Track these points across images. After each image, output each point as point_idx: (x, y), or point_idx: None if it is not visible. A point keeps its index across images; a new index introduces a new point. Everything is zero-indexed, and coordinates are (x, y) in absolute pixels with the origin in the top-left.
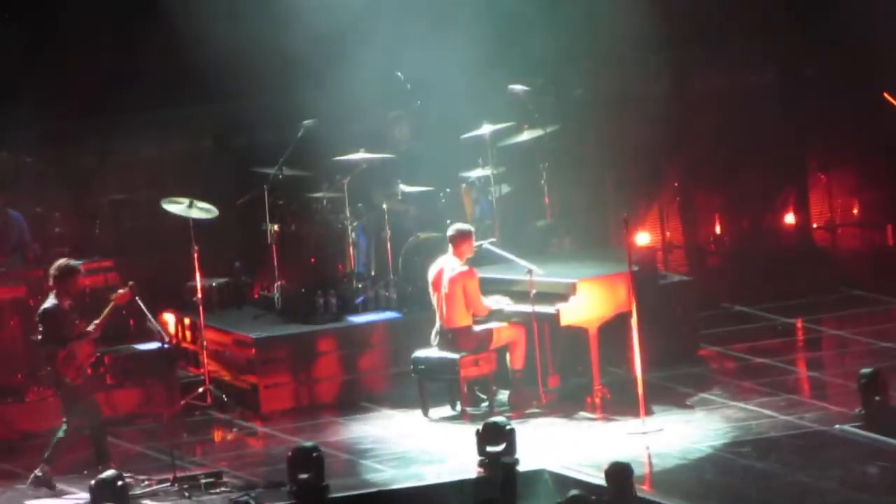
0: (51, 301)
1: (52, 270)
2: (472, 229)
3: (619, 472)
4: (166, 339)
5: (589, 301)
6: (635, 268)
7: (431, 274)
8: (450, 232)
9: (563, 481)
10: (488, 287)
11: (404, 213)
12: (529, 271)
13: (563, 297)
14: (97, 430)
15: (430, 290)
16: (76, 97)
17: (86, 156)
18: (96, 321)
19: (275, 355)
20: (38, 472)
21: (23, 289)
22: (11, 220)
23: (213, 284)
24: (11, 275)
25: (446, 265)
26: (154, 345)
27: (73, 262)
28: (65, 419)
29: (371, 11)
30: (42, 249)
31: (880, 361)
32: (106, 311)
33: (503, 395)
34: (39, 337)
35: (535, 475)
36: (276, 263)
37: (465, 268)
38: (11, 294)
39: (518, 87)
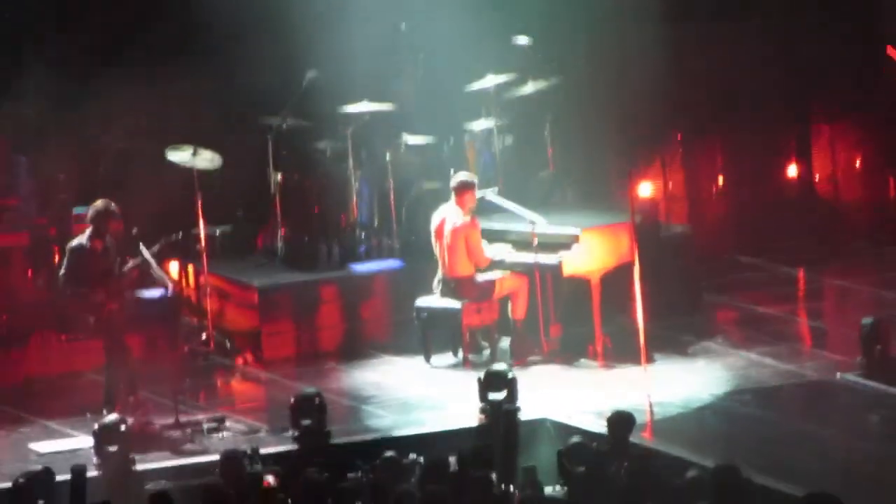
0: (78, 239)
1: (89, 210)
2: (476, 180)
3: (622, 421)
4: (170, 287)
5: (591, 251)
6: (638, 219)
7: (434, 223)
8: (453, 182)
9: (564, 429)
10: (491, 237)
11: (408, 165)
12: (532, 222)
13: (565, 248)
14: (110, 373)
15: (433, 239)
16: (79, 45)
17: (89, 103)
18: (130, 265)
19: (278, 303)
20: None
21: (26, 235)
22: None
23: (217, 232)
24: (14, 221)
25: (448, 215)
26: (158, 292)
27: (111, 204)
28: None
29: None
30: (44, 197)
31: (882, 311)
32: (139, 260)
33: (505, 344)
34: (62, 272)
35: (537, 423)
36: (279, 212)
37: (468, 218)
38: (15, 241)
39: (522, 39)
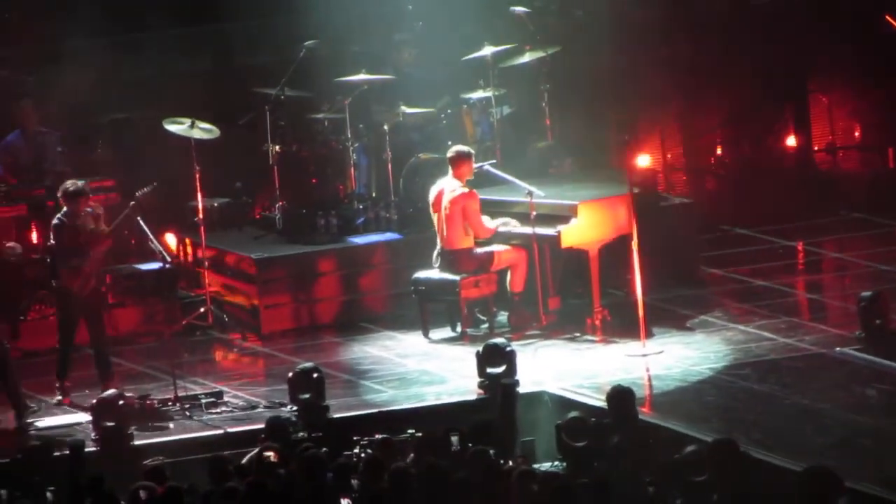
0: (58, 216)
1: (59, 191)
2: (472, 151)
3: (621, 396)
4: (168, 259)
5: (589, 223)
6: (636, 190)
7: (432, 195)
8: (449, 154)
9: (563, 403)
10: (489, 209)
11: (406, 135)
12: (530, 193)
13: (563, 220)
14: (98, 348)
15: (431, 211)
16: (76, 17)
17: (87, 75)
18: (116, 222)
19: (275, 275)
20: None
21: (23, 207)
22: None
23: (215, 204)
24: (13, 194)
25: (446, 186)
26: (155, 265)
27: (79, 183)
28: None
29: None
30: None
31: (880, 284)
32: (124, 213)
33: (503, 317)
34: (51, 243)
35: (535, 397)
36: (277, 184)
37: (466, 189)
38: (12, 213)
39: (519, 9)
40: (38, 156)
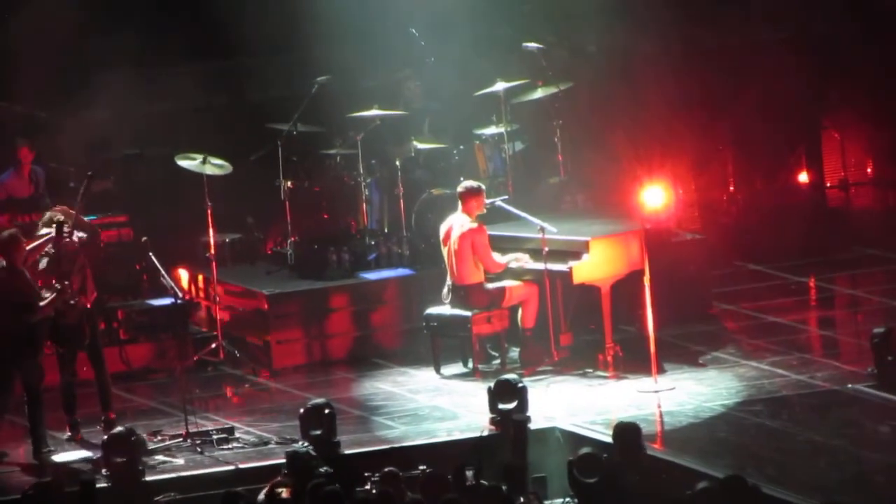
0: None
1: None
2: (482, 186)
3: (626, 432)
4: (179, 295)
5: (602, 259)
6: (648, 226)
7: (441, 231)
8: (459, 189)
9: (574, 439)
10: (502, 244)
11: (418, 171)
12: (542, 229)
13: (575, 255)
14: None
15: (441, 246)
16: (90, 53)
17: (100, 110)
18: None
19: (287, 311)
20: None
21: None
22: (36, 173)
23: (227, 240)
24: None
25: (455, 222)
26: (167, 300)
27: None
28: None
29: None
30: (54, 204)
31: (893, 320)
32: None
33: (515, 353)
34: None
35: (547, 433)
36: (289, 219)
37: (475, 224)
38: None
39: (532, 45)
40: (35, 193)
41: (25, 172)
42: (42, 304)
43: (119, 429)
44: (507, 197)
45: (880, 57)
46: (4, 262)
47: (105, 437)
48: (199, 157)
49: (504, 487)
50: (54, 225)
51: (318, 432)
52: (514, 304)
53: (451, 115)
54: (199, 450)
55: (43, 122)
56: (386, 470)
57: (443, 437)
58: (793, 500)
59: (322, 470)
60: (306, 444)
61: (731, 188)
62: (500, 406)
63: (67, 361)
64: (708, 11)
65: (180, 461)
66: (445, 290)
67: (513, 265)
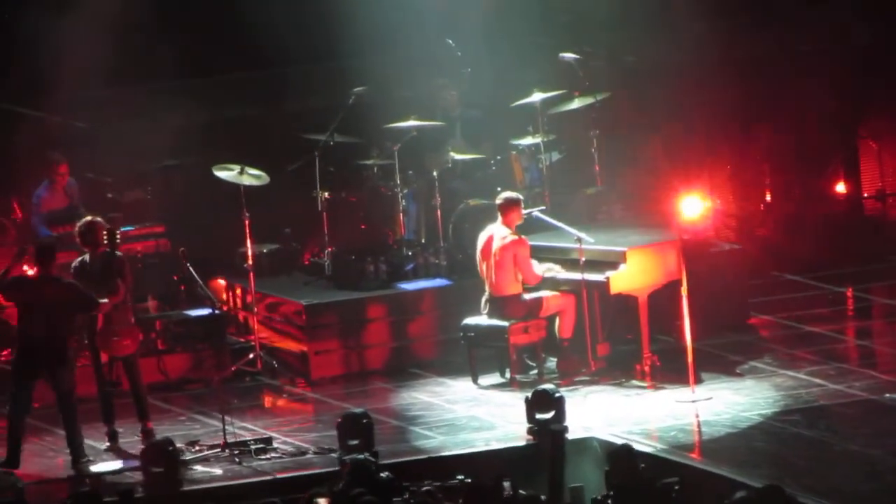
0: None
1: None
2: (521, 197)
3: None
4: (217, 305)
5: (639, 269)
6: (685, 236)
7: (480, 242)
8: (498, 200)
9: (612, 449)
10: (538, 255)
11: (455, 181)
12: (579, 239)
13: (612, 265)
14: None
15: (479, 257)
16: (127, 64)
17: (138, 121)
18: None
19: (325, 322)
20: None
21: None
22: (70, 185)
23: (264, 251)
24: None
25: (496, 233)
26: (205, 311)
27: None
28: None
29: None
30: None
31: None
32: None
33: (552, 363)
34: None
35: (584, 443)
36: (326, 230)
37: (516, 236)
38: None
39: (569, 55)
40: (70, 204)
41: (60, 185)
42: (103, 301)
43: (157, 439)
44: (543, 207)
45: None
46: (40, 272)
47: (143, 447)
48: (237, 168)
49: (542, 498)
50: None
51: (356, 442)
52: (552, 315)
53: (487, 125)
54: (237, 460)
55: (81, 132)
56: (423, 489)
57: (480, 448)
58: None
59: (385, 475)
60: (343, 454)
61: (768, 198)
62: (538, 416)
63: (105, 371)
64: (745, 22)
65: (218, 471)
66: (483, 300)
67: (546, 276)
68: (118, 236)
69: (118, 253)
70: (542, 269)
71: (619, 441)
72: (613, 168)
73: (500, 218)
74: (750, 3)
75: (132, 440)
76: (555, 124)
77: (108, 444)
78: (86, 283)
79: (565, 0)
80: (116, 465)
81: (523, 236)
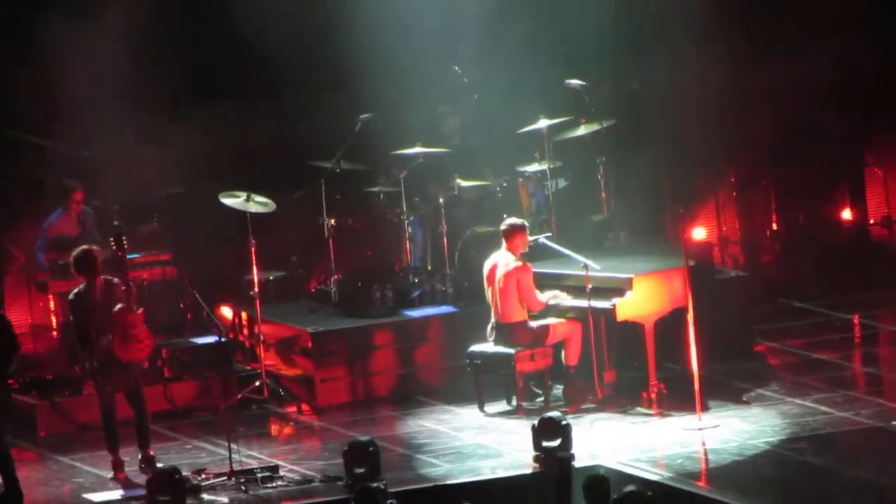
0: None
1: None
2: (526, 224)
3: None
4: (223, 332)
5: (645, 296)
6: (691, 263)
7: (486, 268)
8: (503, 227)
9: (619, 477)
10: (545, 282)
11: (461, 208)
12: (585, 266)
13: (619, 292)
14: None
15: (485, 284)
16: (133, 92)
17: (144, 148)
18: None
19: (331, 349)
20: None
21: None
22: (84, 214)
23: (271, 278)
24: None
25: (500, 260)
26: (211, 338)
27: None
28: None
29: (427, 7)
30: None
31: None
32: None
33: (559, 390)
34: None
35: (591, 471)
36: (332, 257)
37: (520, 263)
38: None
39: (575, 82)
40: (82, 232)
41: (75, 213)
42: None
43: (163, 467)
44: (550, 234)
45: None
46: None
47: (149, 475)
48: (243, 195)
49: None
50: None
51: (363, 470)
52: (558, 342)
53: (493, 152)
54: (243, 488)
55: (87, 160)
56: None
57: (487, 475)
58: None
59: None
60: (350, 482)
61: (774, 225)
62: (544, 444)
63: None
64: (750, 48)
65: (225, 500)
66: (490, 327)
67: (551, 303)
68: (125, 240)
69: (115, 280)
70: (546, 296)
71: (626, 469)
72: (620, 195)
73: (504, 244)
74: (755, 30)
75: (134, 469)
76: (561, 151)
77: (112, 472)
78: (84, 313)
79: (571, 26)
80: (117, 494)
81: (527, 263)
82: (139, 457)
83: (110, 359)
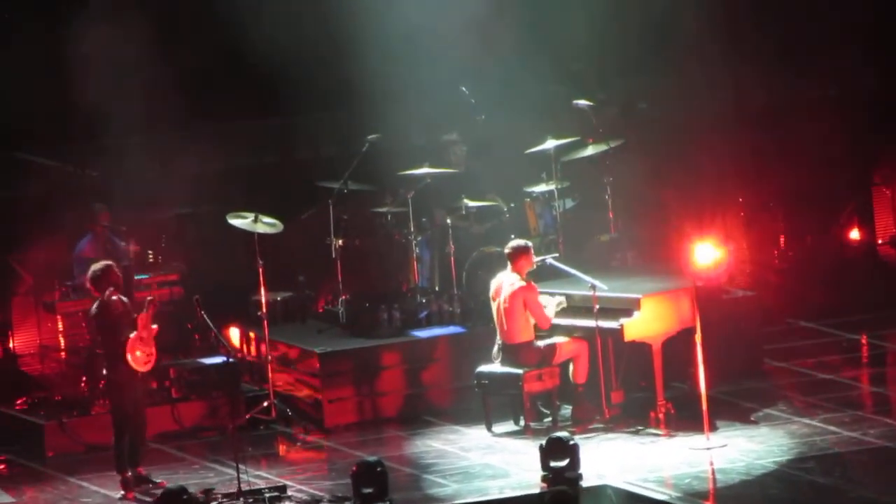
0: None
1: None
2: (530, 244)
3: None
4: (231, 353)
5: (653, 316)
6: (699, 283)
7: (491, 289)
8: (507, 248)
9: (627, 497)
10: None
11: (467, 229)
12: (593, 286)
13: (626, 312)
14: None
15: (491, 304)
16: (140, 113)
17: (151, 170)
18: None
19: (339, 369)
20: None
21: (89, 302)
22: (113, 241)
23: (278, 298)
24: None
25: (505, 280)
26: (219, 358)
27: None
28: None
29: (433, 28)
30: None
31: None
32: None
33: (566, 410)
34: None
35: (599, 491)
36: (340, 277)
37: (524, 282)
38: (80, 307)
39: (582, 102)
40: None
41: (102, 237)
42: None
43: (171, 487)
44: (557, 255)
45: None
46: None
47: (158, 494)
48: (251, 216)
49: None
50: None
51: (370, 490)
52: (565, 361)
53: (499, 176)
54: None
55: (94, 181)
56: None
57: (495, 496)
58: None
59: None
60: (358, 502)
61: (782, 245)
62: (552, 464)
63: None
64: (758, 69)
65: None
66: (496, 348)
67: (558, 310)
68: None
69: (125, 299)
70: (552, 309)
71: (634, 489)
72: (627, 215)
73: (509, 265)
74: (762, 50)
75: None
76: (569, 171)
77: (122, 492)
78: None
79: (579, 47)
80: None
81: (531, 282)
82: (128, 475)
83: (127, 370)
